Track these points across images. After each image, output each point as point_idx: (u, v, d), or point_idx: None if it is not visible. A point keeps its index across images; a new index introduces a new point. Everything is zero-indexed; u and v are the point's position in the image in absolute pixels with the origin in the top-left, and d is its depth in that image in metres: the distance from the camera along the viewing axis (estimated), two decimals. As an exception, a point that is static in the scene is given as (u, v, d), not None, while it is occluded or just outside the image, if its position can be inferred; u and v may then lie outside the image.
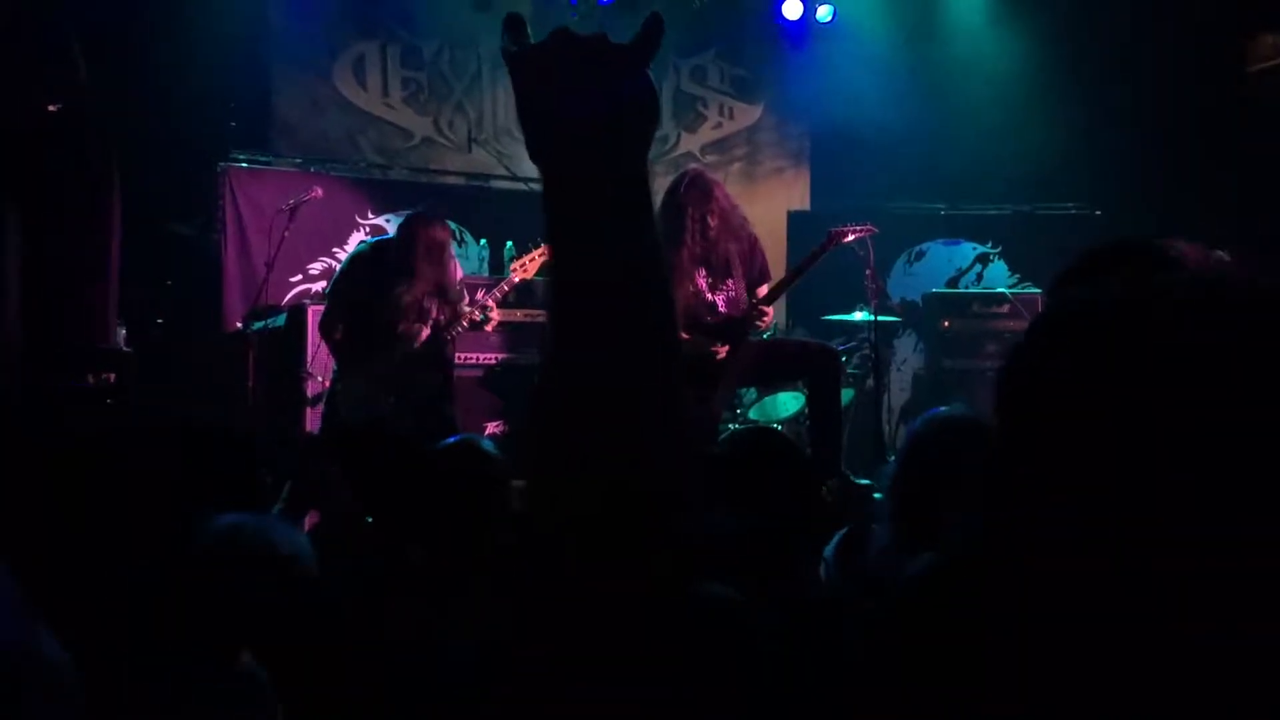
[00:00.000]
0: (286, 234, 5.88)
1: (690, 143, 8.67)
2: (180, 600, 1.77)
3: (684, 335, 5.24)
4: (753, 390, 6.66)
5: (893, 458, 2.87)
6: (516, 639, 0.88)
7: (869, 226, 5.67)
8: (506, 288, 5.56)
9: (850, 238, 5.56)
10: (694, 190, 5.25)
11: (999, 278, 7.94)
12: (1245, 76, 7.67)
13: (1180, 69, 7.47)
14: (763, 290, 5.44)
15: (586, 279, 0.84)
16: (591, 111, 0.83)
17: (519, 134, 0.90)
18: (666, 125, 8.62)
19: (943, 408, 2.43)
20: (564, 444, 0.84)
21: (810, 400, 5.55)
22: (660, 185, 8.31)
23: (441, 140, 8.24)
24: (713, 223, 5.24)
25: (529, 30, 0.88)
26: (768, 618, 1.62)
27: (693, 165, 7.12)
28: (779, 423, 6.51)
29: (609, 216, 0.84)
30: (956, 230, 8.12)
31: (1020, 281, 7.75)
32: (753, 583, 1.75)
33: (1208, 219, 6.87)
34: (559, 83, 0.85)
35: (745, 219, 5.49)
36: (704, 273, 5.30)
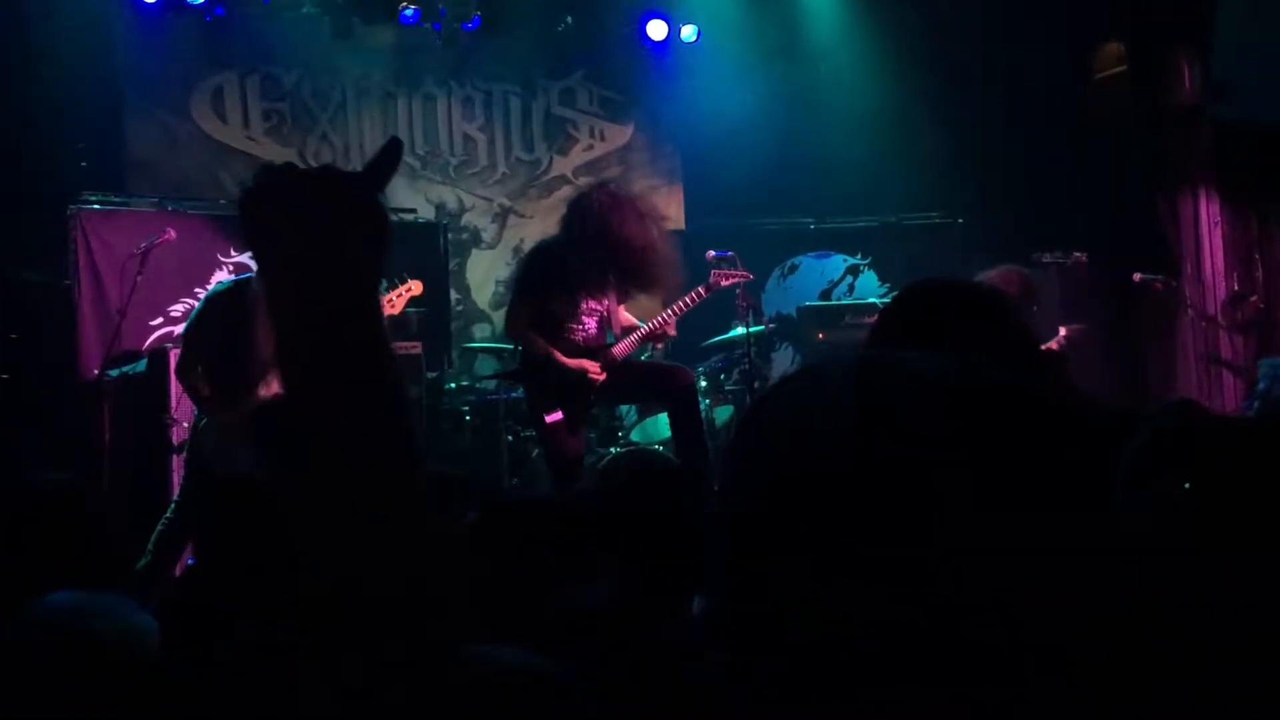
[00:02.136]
0: (140, 278, 5.67)
1: (562, 165, 8.63)
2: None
3: (565, 361, 5.19)
4: (634, 411, 6.64)
5: None
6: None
7: (745, 273, 5.74)
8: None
9: (725, 284, 5.62)
10: (609, 210, 5.05)
11: (870, 288, 8.09)
12: (1092, 84, 7.96)
13: (1032, 78, 7.71)
14: (623, 321, 5.43)
15: (314, 396, 0.87)
16: (314, 240, 0.88)
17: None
18: (538, 149, 8.58)
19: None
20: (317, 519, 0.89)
21: (672, 424, 5.57)
22: (534, 209, 8.34)
23: (307, 172, 8.04)
24: (610, 241, 5.05)
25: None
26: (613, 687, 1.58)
27: (584, 181, 7.06)
28: (660, 444, 6.50)
29: (334, 338, 0.88)
30: (827, 243, 8.26)
31: (890, 291, 7.90)
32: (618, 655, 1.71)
33: (1060, 222, 7.10)
34: (286, 215, 0.89)
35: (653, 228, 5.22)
36: (586, 294, 5.20)
